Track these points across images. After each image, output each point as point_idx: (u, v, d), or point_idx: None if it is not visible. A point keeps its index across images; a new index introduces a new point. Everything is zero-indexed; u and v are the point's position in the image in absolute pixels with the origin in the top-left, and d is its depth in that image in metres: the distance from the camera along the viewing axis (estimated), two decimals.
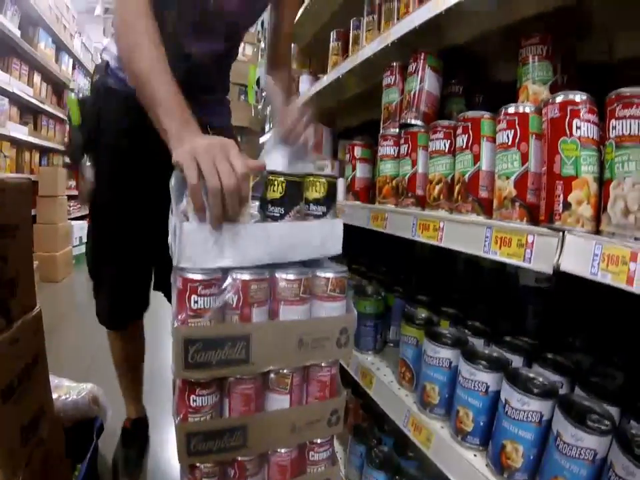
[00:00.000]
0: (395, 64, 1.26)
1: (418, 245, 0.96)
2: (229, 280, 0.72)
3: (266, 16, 1.43)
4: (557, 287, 1.09)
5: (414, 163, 1.08)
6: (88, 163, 1.27)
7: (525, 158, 0.77)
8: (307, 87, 2.30)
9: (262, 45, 3.86)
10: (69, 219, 4.71)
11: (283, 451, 0.80)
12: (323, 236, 0.80)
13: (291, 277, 0.75)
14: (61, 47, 5.31)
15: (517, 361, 0.91)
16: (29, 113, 4.57)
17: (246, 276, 0.72)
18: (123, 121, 1.17)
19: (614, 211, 0.60)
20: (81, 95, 1.28)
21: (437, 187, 0.98)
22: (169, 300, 1.17)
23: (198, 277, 0.69)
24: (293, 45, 2.83)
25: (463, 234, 0.83)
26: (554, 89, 0.84)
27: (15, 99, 4.04)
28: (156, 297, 1.40)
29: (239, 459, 0.76)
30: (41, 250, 3.93)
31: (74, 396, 1.38)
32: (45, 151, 5.09)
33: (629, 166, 0.58)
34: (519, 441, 0.76)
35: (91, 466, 1.22)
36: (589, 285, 0.58)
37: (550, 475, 0.70)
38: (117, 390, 1.55)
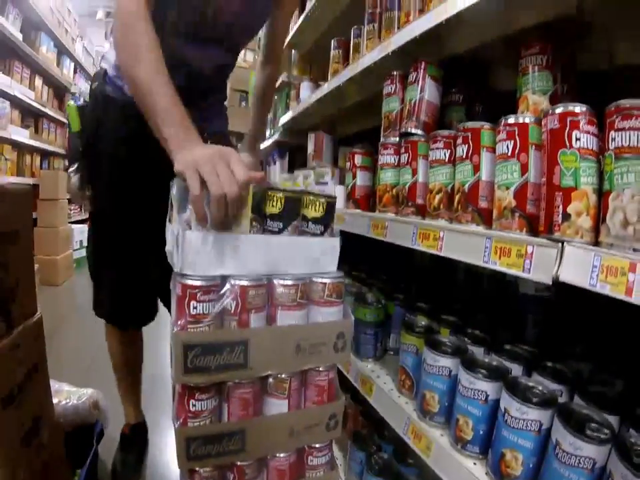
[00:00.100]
0: (395, 73, 1.26)
1: (418, 253, 0.97)
2: (227, 286, 0.72)
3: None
4: (556, 296, 1.09)
5: (414, 172, 1.09)
6: (72, 168, 1.29)
7: (524, 169, 0.77)
8: (307, 93, 2.33)
9: None
10: (69, 223, 4.72)
11: (281, 455, 0.80)
12: (321, 252, 0.81)
13: (288, 282, 0.76)
14: (62, 51, 5.32)
15: (516, 370, 0.92)
16: (30, 116, 4.58)
17: (244, 282, 0.73)
18: (120, 129, 1.19)
19: (613, 222, 0.60)
20: (80, 102, 1.29)
21: (437, 197, 0.99)
22: (167, 307, 1.17)
23: (197, 283, 0.70)
24: (293, 51, 2.86)
25: (463, 244, 0.84)
26: (554, 99, 0.85)
27: (16, 102, 4.05)
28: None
29: (238, 463, 0.77)
30: (41, 253, 3.93)
31: (74, 401, 1.38)
32: (45, 155, 5.10)
33: (628, 177, 0.58)
34: (519, 450, 0.77)
35: (90, 471, 1.22)
36: (588, 293, 0.58)
37: None
38: (117, 393, 1.55)
